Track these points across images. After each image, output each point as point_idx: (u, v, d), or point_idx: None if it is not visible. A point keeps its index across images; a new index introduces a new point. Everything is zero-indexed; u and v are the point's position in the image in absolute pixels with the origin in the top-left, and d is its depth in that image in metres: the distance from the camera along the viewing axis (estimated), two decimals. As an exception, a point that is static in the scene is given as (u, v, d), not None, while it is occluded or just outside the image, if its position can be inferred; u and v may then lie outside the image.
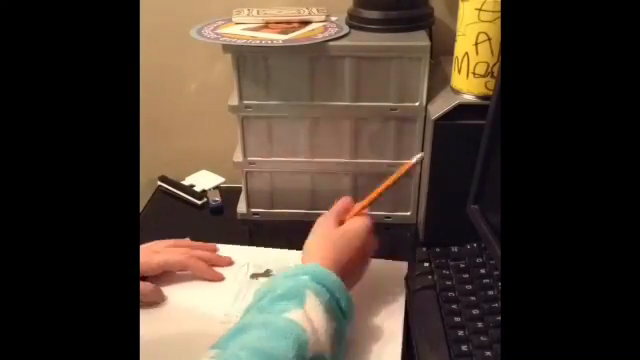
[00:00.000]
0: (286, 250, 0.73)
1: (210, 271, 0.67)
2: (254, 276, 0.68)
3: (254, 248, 0.74)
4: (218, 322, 0.61)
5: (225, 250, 0.73)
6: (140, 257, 0.63)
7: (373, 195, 0.63)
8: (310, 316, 0.49)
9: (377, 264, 0.65)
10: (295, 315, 0.48)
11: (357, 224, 0.60)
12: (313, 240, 0.59)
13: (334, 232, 0.59)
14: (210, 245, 0.72)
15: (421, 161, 0.66)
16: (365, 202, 0.63)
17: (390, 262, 0.69)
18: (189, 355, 0.47)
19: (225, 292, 0.66)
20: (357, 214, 0.62)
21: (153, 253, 0.66)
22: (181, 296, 0.65)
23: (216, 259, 0.70)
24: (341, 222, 0.61)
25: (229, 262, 0.70)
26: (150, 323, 0.59)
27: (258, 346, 0.45)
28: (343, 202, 0.64)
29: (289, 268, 0.55)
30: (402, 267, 0.68)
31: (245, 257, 0.72)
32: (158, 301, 0.63)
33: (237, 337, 0.47)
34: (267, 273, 0.69)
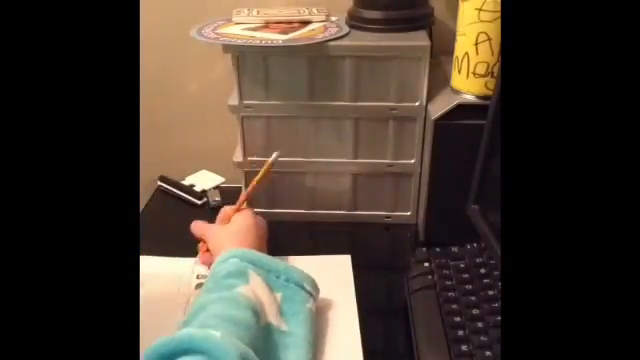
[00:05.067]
0: None
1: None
2: (199, 286, 0.67)
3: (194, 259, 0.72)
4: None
5: (166, 262, 0.72)
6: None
7: (242, 198, 0.70)
8: (255, 290, 0.55)
9: (322, 260, 0.69)
10: (244, 290, 0.54)
11: (241, 214, 0.68)
12: (215, 241, 0.66)
13: (227, 228, 0.67)
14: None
15: (276, 160, 0.70)
16: (239, 202, 0.70)
17: (334, 257, 0.71)
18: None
19: (173, 305, 0.65)
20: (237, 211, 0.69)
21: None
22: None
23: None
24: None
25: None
26: None
27: (223, 314, 0.50)
28: (222, 212, 0.71)
29: (217, 260, 0.60)
30: (346, 260, 0.70)
31: (188, 268, 0.71)
32: None
33: (199, 315, 0.51)
34: None
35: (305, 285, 0.59)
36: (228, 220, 0.69)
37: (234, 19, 0.75)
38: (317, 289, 0.61)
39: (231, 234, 0.65)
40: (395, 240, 0.78)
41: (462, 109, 0.64)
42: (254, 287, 0.56)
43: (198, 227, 0.70)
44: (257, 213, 0.80)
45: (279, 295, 0.58)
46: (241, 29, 0.73)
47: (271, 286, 0.58)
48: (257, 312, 0.53)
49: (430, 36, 0.73)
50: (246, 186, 0.79)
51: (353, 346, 0.58)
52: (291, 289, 0.58)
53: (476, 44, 0.62)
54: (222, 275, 0.56)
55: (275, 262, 0.60)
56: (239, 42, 0.68)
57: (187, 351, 0.45)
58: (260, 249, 0.64)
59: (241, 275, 0.56)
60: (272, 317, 0.55)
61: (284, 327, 0.55)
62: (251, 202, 0.80)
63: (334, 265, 0.70)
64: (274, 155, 0.69)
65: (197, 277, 0.69)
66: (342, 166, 0.76)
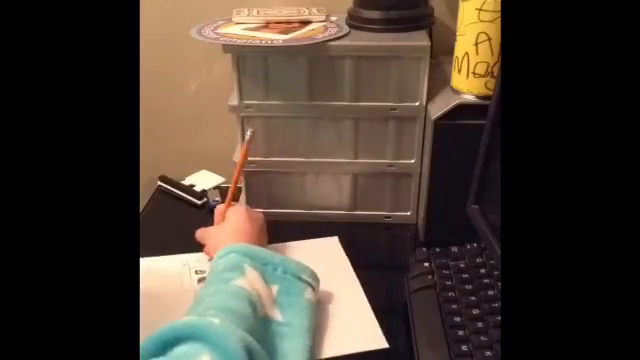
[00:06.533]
0: None
1: None
2: (201, 280, 0.68)
3: (186, 255, 0.73)
4: None
5: (167, 261, 0.72)
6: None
7: (232, 188, 0.71)
8: (251, 282, 0.56)
9: (312, 244, 0.74)
10: (240, 282, 0.55)
11: (234, 210, 0.69)
12: (212, 241, 0.67)
13: (223, 226, 0.68)
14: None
15: (252, 136, 0.71)
16: (228, 199, 0.71)
17: (322, 240, 0.75)
18: None
19: (180, 302, 0.63)
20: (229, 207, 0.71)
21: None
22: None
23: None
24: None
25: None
26: None
27: (220, 305, 0.52)
28: (216, 212, 0.72)
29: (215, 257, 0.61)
30: (335, 241, 0.75)
31: (180, 263, 0.71)
32: None
33: (196, 307, 0.53)
34: None
35: (303, 276, 0.60)
36: (223, 218, 0.69)
37: (234, 19, 0.75)
38: (317, 279, 0.62)
39: (226, 232, 0.66)
40: (395, 240, 0.78)
41: (462, 109, 0.64)
42: (250, 279, 0.56)
43: (199, 233, 0.71)
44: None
45: (275, 287, 0.58)
46: (241, 29, 0.73)
47: (266, 279, 0.58)
48: (254, 303, 0.54)
49: (430, 36, 0.73)
50: (240, 185, 0.79)
51: (363, 306, 0.63)
52: (288, 280, 0.59)
53: (476, 44, 0.62)
54: (219, 270, 0.57)
55: (271, 255, 0.60)
56: (239, 42, 0.68)
57: (186, 337, 0.46)
58: (258, 242, 0.64)
59: (236, 268, 0.57)
60: (268, 309, 0.56)
61: (280, 318, 0.56)
62: (250, 202, 0.80)
63: (325, 246, 0.74)
64: (249, 132, 0.69)
65: (196, 272, 0.69)
66: (342, 166, 0.76)
